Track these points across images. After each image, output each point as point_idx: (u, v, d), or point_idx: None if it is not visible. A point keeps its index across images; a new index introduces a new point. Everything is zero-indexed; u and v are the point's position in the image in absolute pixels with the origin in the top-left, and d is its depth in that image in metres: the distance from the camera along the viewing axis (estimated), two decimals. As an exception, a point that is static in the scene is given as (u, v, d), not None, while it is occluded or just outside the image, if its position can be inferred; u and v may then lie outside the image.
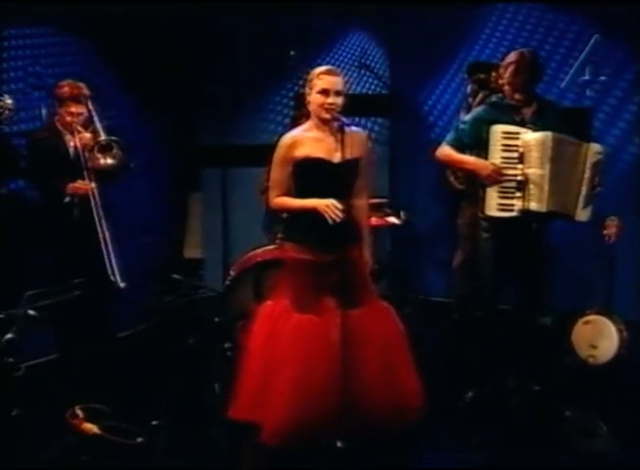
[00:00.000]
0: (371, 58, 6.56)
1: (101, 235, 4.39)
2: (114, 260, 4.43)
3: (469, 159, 4.45)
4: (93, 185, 4.42)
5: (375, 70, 6.39)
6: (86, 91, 4.53)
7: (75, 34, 5.58)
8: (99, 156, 4.39)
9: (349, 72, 6.32)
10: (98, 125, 4.45)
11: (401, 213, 5.72)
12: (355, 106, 5.97)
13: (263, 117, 6.61)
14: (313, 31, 6.35)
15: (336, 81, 3.72)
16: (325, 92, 3.70)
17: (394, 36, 6.45)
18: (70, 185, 4.48)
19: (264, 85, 6.52)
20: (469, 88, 5.44)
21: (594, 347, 4.76)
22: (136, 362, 4.97)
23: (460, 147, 4.46)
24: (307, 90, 3.79)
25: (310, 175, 3.76)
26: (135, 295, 5.53)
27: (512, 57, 4.40)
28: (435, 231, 6.34)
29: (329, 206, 3.61)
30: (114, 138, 4.39)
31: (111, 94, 5.73)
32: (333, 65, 6.30)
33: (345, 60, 6.53)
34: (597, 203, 4.42)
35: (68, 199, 4.45)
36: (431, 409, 3.98)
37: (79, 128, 4.50)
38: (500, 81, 4.52)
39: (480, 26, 6.16)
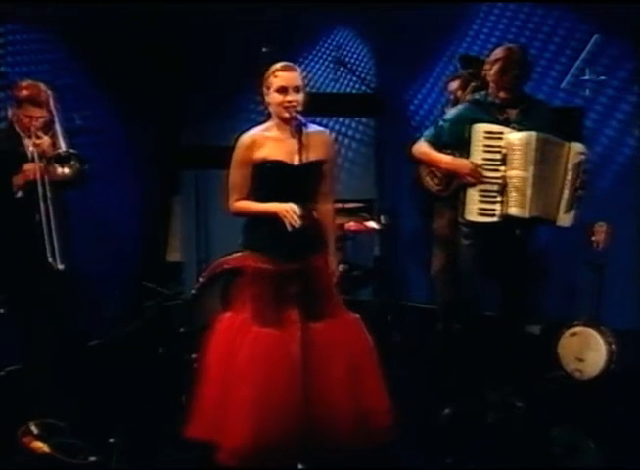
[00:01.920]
0: (355, 56, 6.39)
1: (44, 214, 4.10)
2: (55, 241, 4.14)
3: (446, 157, 4.23)
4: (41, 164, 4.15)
5: (353, 68, 6.22)
6: (47, 93, 4.29)
7: (48, 32, 5.40)
8: (56, 166, 4.19)
9: (332, 71, 6.18)
10: (58, 131, 4.23)
11: (382, 218, 5.52)
12: (340, 105, 5.95)
13: (245, 118, 6.41)
14: (297, 28, 6.19)
15: (293, 77, 3.50)
16: (283, 90, 3.49)
17: (379, 34, 6.27)
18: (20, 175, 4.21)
19: (246, 85, 6.31)
20: (456, 83, 5.12)
21: (581, 360, 4.55)
22: (103, 373, 4.73)
23: (438, 145, 4.26)
24: (265, 90, 3.58)
25: (269, 178, 3.55)
26: (105, 302, 5.40)
27: (499, 53, 4.18)
28: (423, 235, 6.11)
29: (288, 211, 3.39)
30: (72, 150, 4.19)
31: (89, 94, 5.59)
32: (315, 63, 6.30)
33: (329, 58, 6.36)
34: (587, 207, 4.21)
35: (20, 194, 4.20)
36: (408, 425, 3.80)
37: (38, 133, 4.27)
38: (484, 74, 4.28)
39: (468, 23, 5.96)
